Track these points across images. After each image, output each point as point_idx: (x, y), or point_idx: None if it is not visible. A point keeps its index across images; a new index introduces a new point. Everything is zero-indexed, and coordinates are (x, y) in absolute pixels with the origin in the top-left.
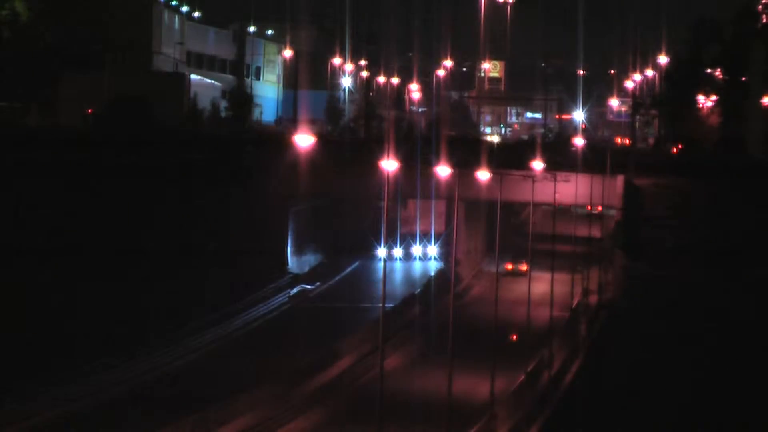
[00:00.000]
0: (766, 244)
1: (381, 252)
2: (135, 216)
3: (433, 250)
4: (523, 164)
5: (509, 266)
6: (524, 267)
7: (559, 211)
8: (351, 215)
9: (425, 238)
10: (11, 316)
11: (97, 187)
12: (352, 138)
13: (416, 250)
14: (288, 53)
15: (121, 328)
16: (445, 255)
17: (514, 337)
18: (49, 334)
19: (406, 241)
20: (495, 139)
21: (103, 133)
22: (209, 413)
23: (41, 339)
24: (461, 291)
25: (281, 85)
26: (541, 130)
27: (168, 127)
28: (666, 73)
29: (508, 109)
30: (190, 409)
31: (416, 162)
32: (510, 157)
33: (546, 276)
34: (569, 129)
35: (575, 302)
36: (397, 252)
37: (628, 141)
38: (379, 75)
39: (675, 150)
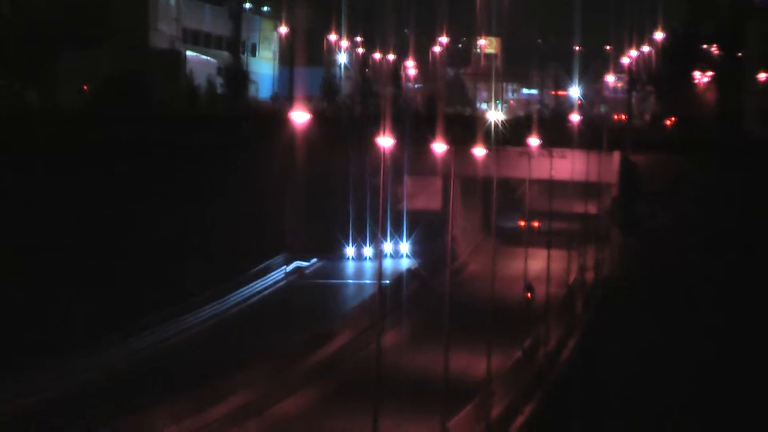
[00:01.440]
0: (762, 219)
1: (350, 251)
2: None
3: (405, 247)
4: (519, 140)
5: (522, 223)
6: (536, 224)
7: (555, 188)
8: (343, 196)
9: (397, 234)
10: None
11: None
12: (347, 115)
13: (387, 247)
14: (284, 30)
15: (119, 308)
16: (419, 252)
17: (528, 295)
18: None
19: (376, 239)
20: (500, 116)
21: (98, 111)
22: (204, 391)
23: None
24: (458, 268)
25: (277, 62)
26: (538, 107)
27: (164, 105)
28: (662, 49)
29: (504, 86)
30: (187, 386)
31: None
32: (506, 134)
33: (542, 253)
34: (565, 105)
35: (571, 279)
36: (368, 251)
37: (624, 117)
38: (375, 52)
39: (669, 122)
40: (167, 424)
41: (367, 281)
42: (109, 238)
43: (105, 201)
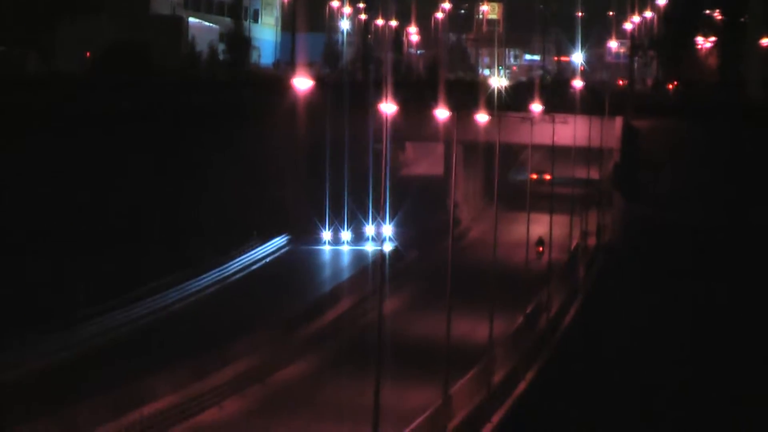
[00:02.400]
0: (763, 184)
1: (326, 235)
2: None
3: (388, 229)
4: (521, 106)
5: (534, 176)
6: (548, 176)
7: (558, 153)
8: (341, 165)
9: (378, 216)
10: None
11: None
12: (350, 81)
13: (369, 230)
14: None
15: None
16: (401, 235)
17: (540, 249)
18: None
19: (356, 221)
20: (503, 81)
21: (100, 78)
22: (206, 357)
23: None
24: (460, 234)
25: (279, 28)
26: (540, 72)
27: (166, 71)
28: (664, 15)
29: (507, 51)
30: (189, 352)
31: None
32: (508, 99)
33: (545, 218)
34: (568, 71)
35: (573, 244)
36: (345, 235)
37: (626, 82)
38: (377, 18)
39: (671, 87)
40: (167, 391)
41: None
42: (90, 213)
43: (95, 171)
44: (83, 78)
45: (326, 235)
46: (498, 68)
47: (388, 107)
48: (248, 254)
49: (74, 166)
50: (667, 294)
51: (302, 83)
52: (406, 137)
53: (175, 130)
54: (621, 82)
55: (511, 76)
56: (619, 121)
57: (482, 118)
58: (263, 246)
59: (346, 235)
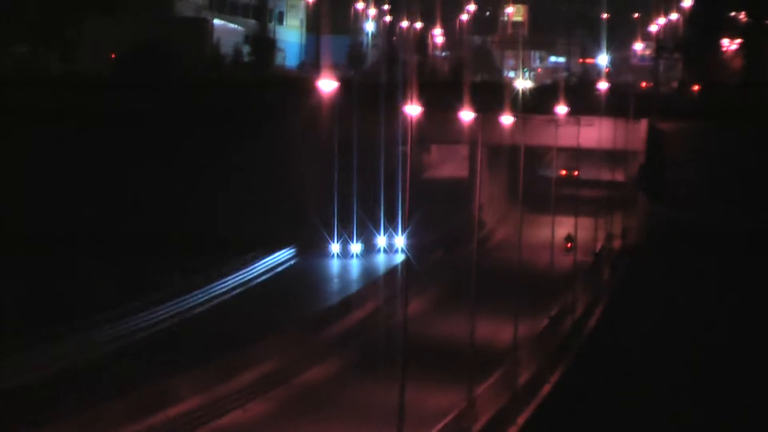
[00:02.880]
0: None
1: (335, 247)
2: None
3: (400, 240)
4: (546, 108)
5: (563, 172)
6: (576, 172)
7: (583, 156)
8: (363, 168)
9: (391, 227)
10: None
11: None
12: (374, 83)
13: (381, 240)
14: None
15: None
16: (414, 246)
17: (569, 245)
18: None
19: (367, 233)
20: (527, 83)
21: (120, 79)
22: (232, 358)
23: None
24: (484, 236)
25: (304, 30)
26: (565, 74)
27: (189, 73)
28: (689, 17)
29: (531, 53)
30: (213, 353)
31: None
32: (533, 102)
33: (569, 220)
34: (593, 73)
35: (599, 247)
36: (355, 247)
37: (651, 84)
38: (402, 20)
39: (696, 89)
40: (191, 393)
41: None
42: (102, 217)
43: (108, 169)
44: (106, 78)
45: (335, 247)
46: (523, 70)
47: (412, 109)
48: (231, 277)
49: (84, 167)
50: (691, 296)
51: (327, 85)
52: (431, 139)
53: (194, 132)
54: (645, 85)
55: (535, 78)
56: (644, 124)
57: (507, 120)
58: (260, 261)
59: (355, 247)
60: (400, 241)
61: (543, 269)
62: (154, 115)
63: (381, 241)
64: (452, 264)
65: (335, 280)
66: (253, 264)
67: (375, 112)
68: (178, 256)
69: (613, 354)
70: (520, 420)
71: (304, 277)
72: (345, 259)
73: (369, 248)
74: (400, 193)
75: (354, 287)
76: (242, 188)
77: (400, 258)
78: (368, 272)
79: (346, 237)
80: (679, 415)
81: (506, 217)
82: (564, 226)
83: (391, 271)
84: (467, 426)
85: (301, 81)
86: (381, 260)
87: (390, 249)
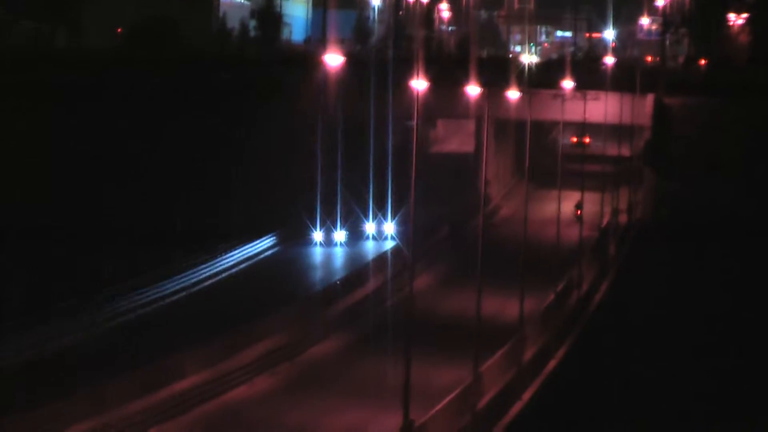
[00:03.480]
0: None
1: (317, 235)
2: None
3: (390, 227)
4: (553, 83)
5: (574, 139)
6: (587, 140)
7: (589, 130)
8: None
9: (380, 213)
10: None
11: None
12: (380, 57)
13: (370, 227)
14: None
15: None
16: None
17: (579, 212)
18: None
19: (353, 219)
20: (534, 58)
21: (130, 55)
22: (237, 333)
23: None
24: (490, 211)
25: (310, 5)
26: (571, 49)
27: (196, 48)
28: None
29: (538, 28)
30: (218, 329)
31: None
32: (540, 76)
33: (576, 195)
34: (599, 48)
35: (605, 222)
36: (339, 235)
37: (655, 59)
38: None
39: (702, 64)
40: (197, 368)
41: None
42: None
43: (98, 148)
44: (112, 54)
45: (317, 235)
46: (529, 45)
47: (419, 84)
48: (190, 273)
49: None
50: (696, 272)
51: (333, 60)
52: (437, 114)
53: (195, 111)
54: (651, 60)
55: (542, 53)
56: (650, 99)
57: (513, 95)
58: (231, 253)
59: (339, 234)
60: (390, 227)
61: (549, 244)
62: (156, 91)
63: (370, 227)
64: (457, 240)
65: (301, 272)
66: (223, 256)
67: (381, 87)
68: (144, 247)
69: (619, 329)
70: (526, 395)
71: (271, 269)
72: (328, 247)
73: (357, 235)
74: (397, 172)
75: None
76: (233, 171)
77: (390, 245)
78: (344, 262)
79: (331, 224)
80: (686, 392)
81: (512, 192)
82: (571, 201)
83: (375, 260)
84: (473, 401)
85: (308, 56)
86: (368, 248)
87: (380, 235)
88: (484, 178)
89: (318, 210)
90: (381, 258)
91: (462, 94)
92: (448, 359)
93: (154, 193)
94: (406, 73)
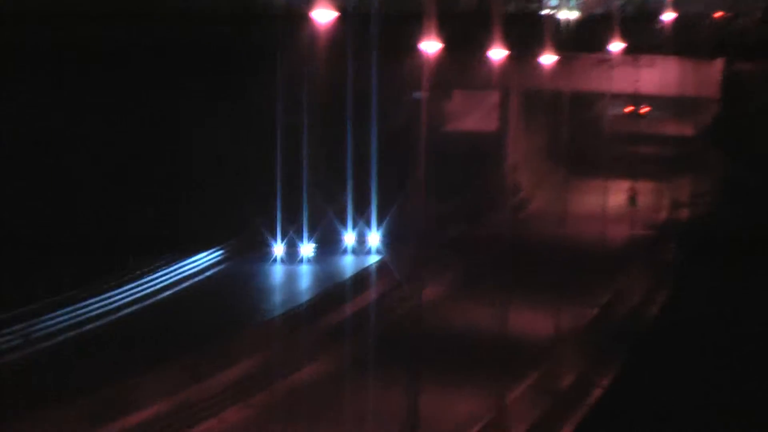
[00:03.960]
0: None
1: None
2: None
3: (375, 238)
4: (596, 45)
5: (629, 109)
6: (645, 110)
7: (642, 104)
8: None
9: (362, 219)
10: None
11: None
12: (381, 13)
13: (348, 238)
14: None
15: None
16: (391, 241)
17: (632, 197)
18: None
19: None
20: (573, 14)
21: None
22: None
23: None
24: (518, 204)
25: None
26: (620, 2)
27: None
28: None
29: None
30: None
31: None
32: (580, 37)
33: (624, 185)
34: (654, 1)
35: (661, 218)
36: (306, 249)
37: (725, 15)
38: None
39: None
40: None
41: None
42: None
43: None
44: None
45: (278, 249)
46: None
47: (430, 46)
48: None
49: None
50: None
51: (323, 15)
52: (453, 84)
53: (153, 82)
54: (720, 15)
55: (583, 7)
56: (719, 64)
57: (547, 60)
58: (154, 274)
59: (306, 248)
60: (375, 236)
61: (592, 246)
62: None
63: (349, 237)
64: (475, 240)
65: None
66: (142, 279)
67: (382, 50)
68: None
69: (677, 351)
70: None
71: (202, 298)
72: (290, 264)
73: (331, 247)
74: (394, 159)
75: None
76: (189, 161)
77: (372, 260)
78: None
79: (296, 233)
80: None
81: (546, 180)
82: (618, 192)
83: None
84: None
85: (292, 11)
86: (340, 265)
87: (361, 248)
88: (511, 162)
89: (279, 215)
90: (358, 277)
91: (483, 59)
92: (466, 388)
93: (78, 188)
94: (414, 33)
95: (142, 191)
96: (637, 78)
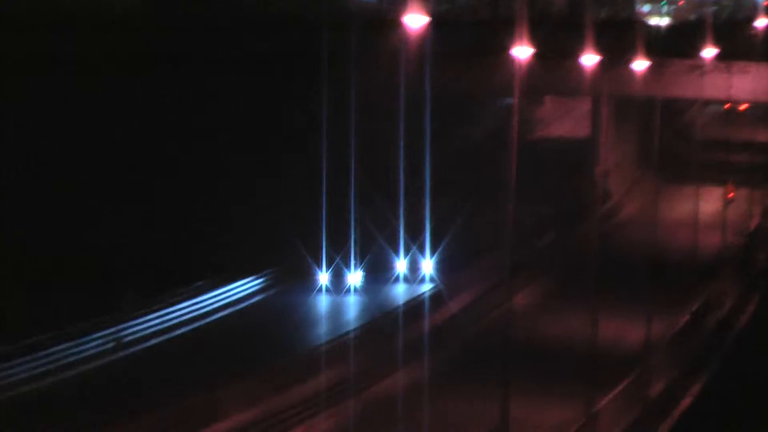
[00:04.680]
0: None
1: (323, 277)
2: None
3: (428, 265)
4: (689, 51)
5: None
6: (743, 107)
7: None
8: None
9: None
10: None
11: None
12: (474, 19)
13: (400, 265)
14: None
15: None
16: (444, 269)
17: (731, 194)
18: None
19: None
20: (665, 20)
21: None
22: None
23: None
24: (609, 211)
25: None
26: (713, 8)
27: (239, 7)
28: None
29: None
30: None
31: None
32: (673, 43)
33: (715, 192)
34: (748, 6)
35: (753, 225)
36: (354, 277)
37: None
38: None
39: None
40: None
41: None
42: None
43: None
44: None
45: (323, 277)
46: (660, 3)
47: (521, 51)
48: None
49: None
50: None
51: (415, 21)
52: (544, 90)
53: (223, 91)
54: None
55: (676, 13)
56: None
57: (639, 66)
58: (174, 308)
59: (354, 276)
60: (428, 263)
61: (683, 253)
62: (179, 63)
63: (401, 264)
64: (564, 248)
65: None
66: (160, 311)
67: (474, 56)
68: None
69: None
70: None
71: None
72: (335, 295)
73: (382, 276)
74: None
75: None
76: (248, 179)
77: (425, 288)
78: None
79: (344, 261)
80: None
81: (637, 186)
82: (710, 200)
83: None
84: None
85: (382, 16)
86: (393, 294)
87: (414, 276)
88: (601, 169)
89: (323, 239)
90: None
91: (575, 66)
92: (554, 395)
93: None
94: (505, 38)
95: (188, 216)
96: (730, 84)
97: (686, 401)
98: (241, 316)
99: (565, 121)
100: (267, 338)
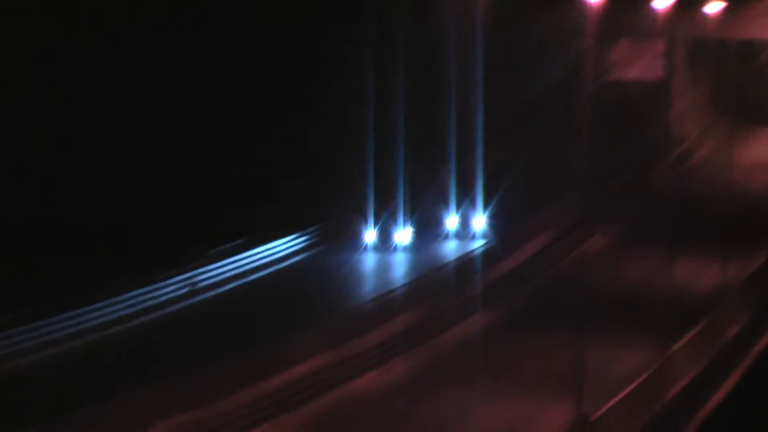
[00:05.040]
0: None
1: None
2: None
3: (480, 221)
4: None
5: None
6: None
7: None
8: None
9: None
10: None
11: None
12: None
13: (452, 222)
14: None
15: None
16: (498, 227)
17: None
18: None
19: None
20: None
21: None
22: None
23: None
24: (683, 154)
25: None
26: None
27: None
28: None
29: None
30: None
31: None
32: None
33: None
34: None
35: None
36: (403, 235)
37: None
38: None
39: None
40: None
41: None
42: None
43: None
44: None
45: (369, 234)
46: None
47: None
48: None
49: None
50: None
51: None
52: (618, 33)
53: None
54: None
55: None
56: None
57: (715, 6)
58: (231, 259)
59: (403, 234)
60: (481, 220)
61: (757, 196)
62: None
63: (452, 221)
64: (638, 192)
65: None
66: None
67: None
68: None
69: None
70: (729, 382)
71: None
72: (383, 252)
73: (431, 233)
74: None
75: None
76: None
77: (477, 245)
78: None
79: (392, 217)
80: None
81: (712, 129)
82: None
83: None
84: (661, 391)
85: None
86: (443, 252)
87: (465, 233)
88: (675, 112)
89: (371, 196)
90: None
91: (649, 7)
92: (629, 340)
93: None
94: None
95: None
96: None
97: (763, 341)
98: (298, 270)
99: (639, 64)
100: (330, 289)
